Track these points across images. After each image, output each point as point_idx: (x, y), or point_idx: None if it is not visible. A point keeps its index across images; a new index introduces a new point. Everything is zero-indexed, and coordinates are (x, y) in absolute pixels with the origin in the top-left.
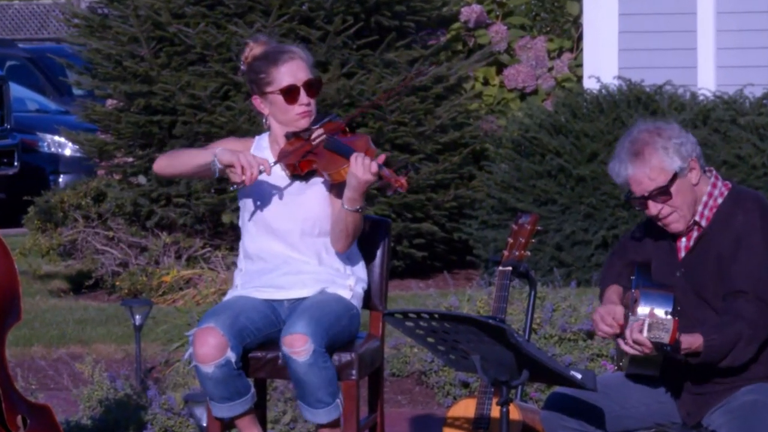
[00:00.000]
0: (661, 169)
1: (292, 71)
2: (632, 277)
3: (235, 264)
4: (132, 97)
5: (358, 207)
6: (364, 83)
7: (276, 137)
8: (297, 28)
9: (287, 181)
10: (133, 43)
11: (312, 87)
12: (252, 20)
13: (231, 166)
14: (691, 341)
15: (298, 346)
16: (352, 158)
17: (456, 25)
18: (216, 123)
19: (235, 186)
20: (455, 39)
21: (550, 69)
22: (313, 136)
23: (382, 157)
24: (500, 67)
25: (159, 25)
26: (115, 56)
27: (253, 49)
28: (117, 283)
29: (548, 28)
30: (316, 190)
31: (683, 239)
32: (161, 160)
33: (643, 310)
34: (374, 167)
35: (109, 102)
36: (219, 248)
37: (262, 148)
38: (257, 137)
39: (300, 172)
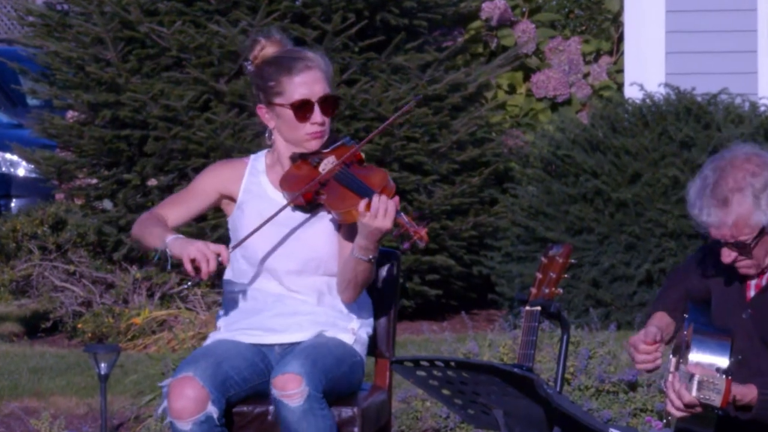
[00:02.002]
0: (747, 224)
1: (307, 83)
2: (685, 315)
3: (217, 303)
4: (96, 108)
5: (370, 257)
6: (368, 92)
7: (280, 156)
8: (289, 28)
9: (290, 212)
10: (97, 45)
11: (328, 104)
12: (236, 18)
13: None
14: (744, 392)
15: (291, 387)
16: (371, 200)
17: (475, 23)
18: (194, 139)
19: (189, 283)
20: (475, 40)
21: (586, 75)
22: (324, 163)
23: (396, 200)
24: (527, 73)
25: (128, 24)
26: (77, 60)
27: (265, 48)
28: (79, 326)
29: (583, 27)
30: (323, 225)
31: None
32: (135, 228)
33: (694, 357)
34: (392, 211)
35: (70, 114)
36: (198, 285)
37: (258, 172)
38: (252, 157)
39: (304, 205)
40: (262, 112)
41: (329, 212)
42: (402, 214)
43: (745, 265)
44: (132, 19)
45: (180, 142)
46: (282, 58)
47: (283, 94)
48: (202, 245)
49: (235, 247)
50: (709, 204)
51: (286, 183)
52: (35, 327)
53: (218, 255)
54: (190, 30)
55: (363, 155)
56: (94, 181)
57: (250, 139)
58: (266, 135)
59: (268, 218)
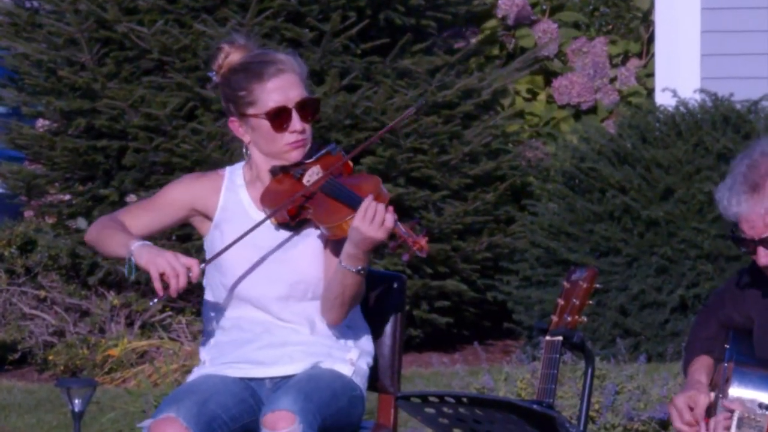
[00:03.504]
0: None
1: (281, 89)
2: (726, 346)
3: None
4: (70, 116)
5: (359, 267)
6: (371, 99)
7: (258, 172)
8: (283, 28)
9: (273, 231)
10: (70, 47)
11: (307, 109)
12: (224, 17)
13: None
14: None
15: (283, 426)
16: (360, 210)
17: (490, 23)
18: (177, 151)
19: (155, 300)
20: (489, 41)
21: (613, 80)
22: (308, 174)
23: (391, 209)
24: (548, 78)
25: (104, 24)
26: (48, 63)
27: (230, 55)
28: (50, 358)
29: (610, 27)
30: (309, 244)
31: None
32: (91, 231)
33: (734, 392)
34: (389, 222)
35: (40, 122)
36: (183, 312)
37: (236, 187)
38: (228, 170)
39: (288, 221)
40: (235, 125)
41: (317, 227)
42: (398, 223)
43: None
44: (109, 18)
45: (162, 154)
46: (251, 64)
47: (256, 104)
48: (171, 257)
49: (208, 262)
50: (739, 192)
51: (267, 199)
52: (2, 359)
53: (189, 270)
54: (173, 30)
55: (351, 164)
56: (67, 197)
57: (239, 152)
58: (243, 150)
59: (246, 231)
